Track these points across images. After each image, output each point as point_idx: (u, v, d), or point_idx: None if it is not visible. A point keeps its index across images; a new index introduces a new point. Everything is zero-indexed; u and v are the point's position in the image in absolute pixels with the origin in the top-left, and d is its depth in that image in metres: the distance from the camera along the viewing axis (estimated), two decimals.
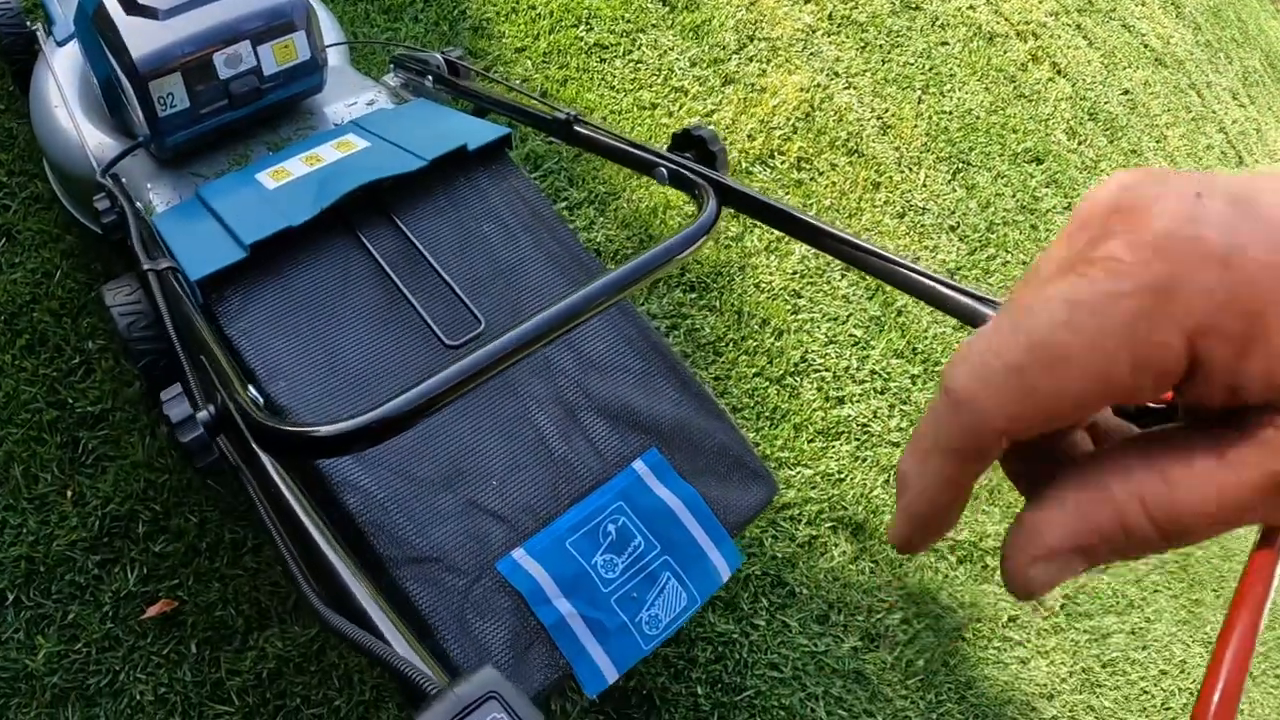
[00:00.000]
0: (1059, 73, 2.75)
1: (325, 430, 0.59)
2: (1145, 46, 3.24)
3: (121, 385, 1.30)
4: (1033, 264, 0.23)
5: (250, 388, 0.69)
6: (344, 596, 0.56)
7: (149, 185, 1.13)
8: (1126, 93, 2.97)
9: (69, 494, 1.24)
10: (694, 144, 0.97)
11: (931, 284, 0.73)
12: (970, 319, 0.72)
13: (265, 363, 0.92)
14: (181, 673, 1.18)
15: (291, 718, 1.20)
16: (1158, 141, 2.95)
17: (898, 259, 0.76)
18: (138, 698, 1.16)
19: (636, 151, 0.98)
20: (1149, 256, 0.20)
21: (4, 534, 1.19)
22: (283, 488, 0.64)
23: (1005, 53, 2.63)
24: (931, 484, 0.25)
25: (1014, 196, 2.33)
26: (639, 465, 0.95)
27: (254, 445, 0.66)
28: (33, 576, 1.18)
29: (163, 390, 0.72)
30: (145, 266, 0.92)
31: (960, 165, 2.28)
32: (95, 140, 1.17)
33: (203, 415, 0.70)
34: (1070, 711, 1.74)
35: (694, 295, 1.72)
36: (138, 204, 1.09)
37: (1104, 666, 1.83)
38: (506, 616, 0.85)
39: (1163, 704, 1.89)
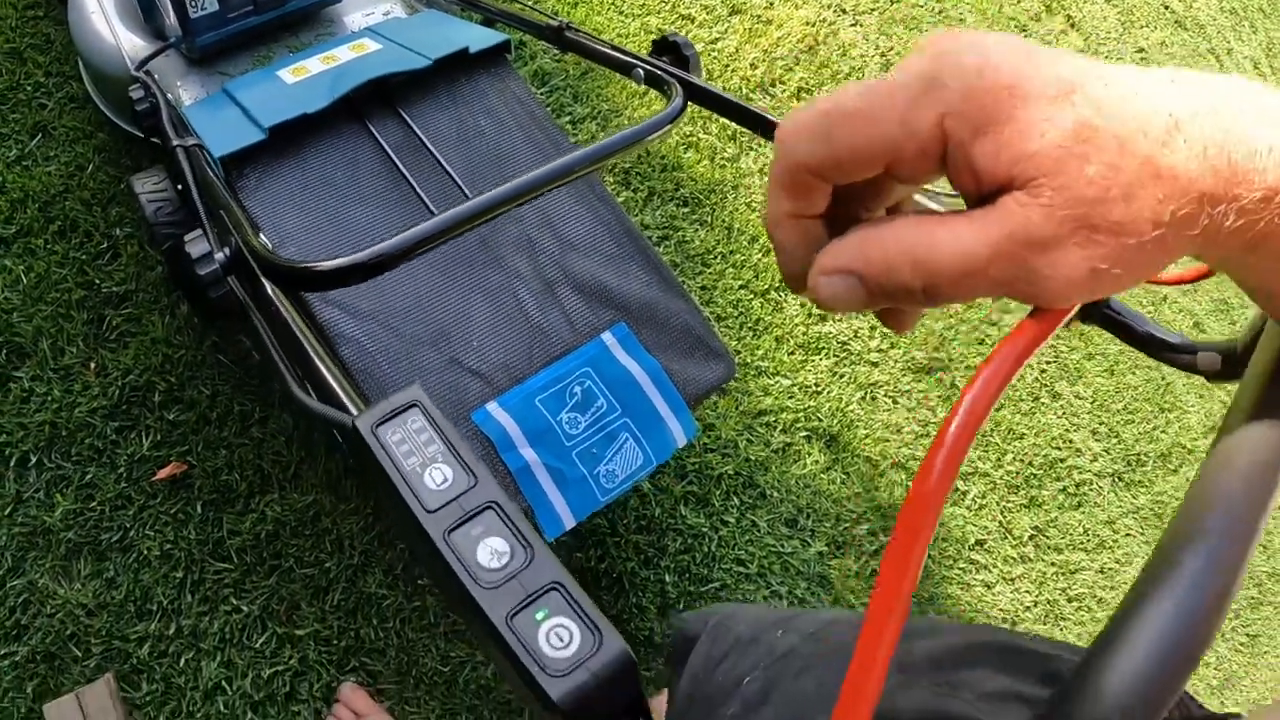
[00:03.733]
0: (1072, 26, 2.74)
1: (324, 265, 0.68)
2: (1166, 7, 3.19)
3: (145, 269, 1.39)
4: None
5: (261, 234, 0.78)
6: (329, 396, 0.65)
7: (179, 82, 1.22)
8: (1141, 52, 2.95)
9: (92, 366, 1.33)
10: (670, 49, 1.06)
11: None
12: None
13: (278, 230, 1.02)
14: (187, 531, 1.29)
15: (285, 577, 1.30)
16: None
17: None
18: (145, 553, 1.27)
19: (618, 55, 1.07)
20: (928, 61, 0.29)
21: (30, 401, 1.29)
22: (284, 311, 0.74)
23: (1018, 1, 2.63)
24: (776, 217, 0.33)
25: None
26: (607, 337, 1.03)
27: (263, 279, 0.76)
28: (55, 440, 1.28)
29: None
30: (175, 143, 1.01)
31: None
32: (130, 43, 1.25)
33: (219, 256, 0.79)
34: None
35: (686, 210, 1.78)
36: (168, 96, 1.18)
37: (1070, 600, 1.88)
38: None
39: None
